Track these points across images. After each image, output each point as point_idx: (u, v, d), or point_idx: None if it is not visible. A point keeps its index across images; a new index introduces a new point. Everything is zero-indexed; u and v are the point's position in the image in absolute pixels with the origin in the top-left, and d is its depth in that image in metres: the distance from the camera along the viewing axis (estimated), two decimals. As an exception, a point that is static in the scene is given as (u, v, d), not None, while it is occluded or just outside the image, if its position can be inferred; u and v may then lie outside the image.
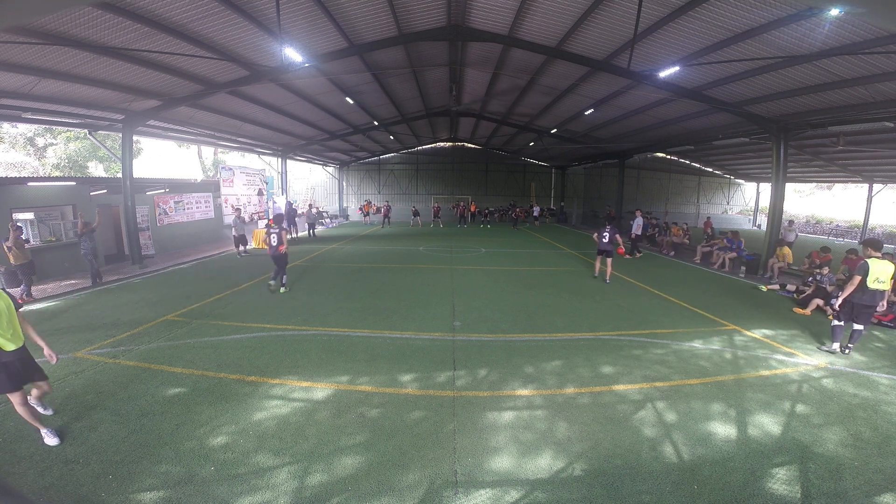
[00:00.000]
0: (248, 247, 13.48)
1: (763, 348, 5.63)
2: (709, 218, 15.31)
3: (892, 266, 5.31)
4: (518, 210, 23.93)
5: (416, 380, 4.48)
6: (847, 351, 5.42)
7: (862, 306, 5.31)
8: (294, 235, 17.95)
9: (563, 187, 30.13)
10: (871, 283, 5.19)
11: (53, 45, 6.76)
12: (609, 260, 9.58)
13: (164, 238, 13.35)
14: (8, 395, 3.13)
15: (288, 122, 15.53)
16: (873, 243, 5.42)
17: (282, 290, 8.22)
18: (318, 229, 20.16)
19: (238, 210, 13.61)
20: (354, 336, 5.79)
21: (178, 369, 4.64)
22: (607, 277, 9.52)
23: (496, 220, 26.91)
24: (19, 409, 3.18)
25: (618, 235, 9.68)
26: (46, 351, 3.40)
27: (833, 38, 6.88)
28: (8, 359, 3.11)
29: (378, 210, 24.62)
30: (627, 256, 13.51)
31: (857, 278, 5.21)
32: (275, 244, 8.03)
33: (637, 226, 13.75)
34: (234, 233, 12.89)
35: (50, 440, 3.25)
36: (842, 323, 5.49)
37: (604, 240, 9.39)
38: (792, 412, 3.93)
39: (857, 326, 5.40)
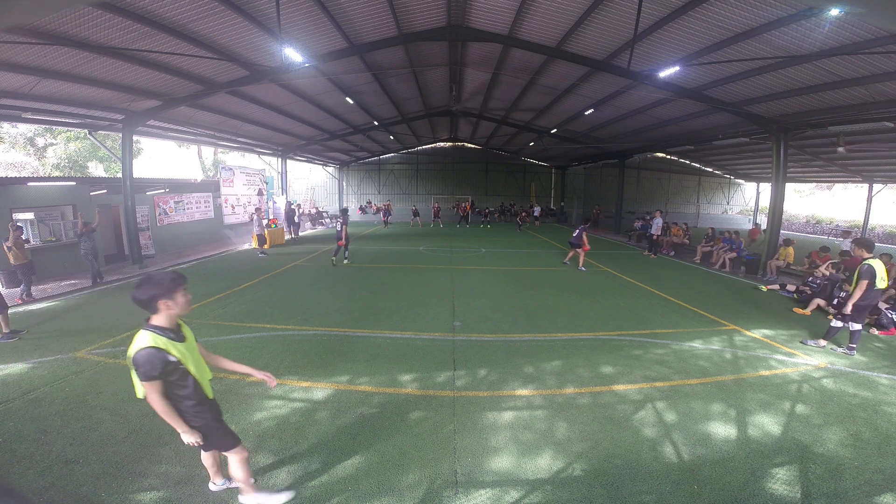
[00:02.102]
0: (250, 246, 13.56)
1: (763, 348, 5.62)
2: (757, 225, 14.81)
3: (882, 264, 5.39)
4: (523, 214, 23.79)
5: (416, 380, 4.48)
6: (853, 352, 5.41)
7: (869, 307, 5.41)
8: (293, 236, 17.97)
9: (563, 187, 30.13)
10: (878, 283, 5.26)
11: (53, 45, 6.75)
12: (581, 251, 11.16)
13: (164, 238, 13.34)
14: (231, 452, 2.49)
15: (288, 122, 15.53)
16: (867, 244, 5.36)
17: (344, 262, 11.26)
18: (318, 229, 20.16)
19: (259, 209, 13.80)
20: (354, 336, 5.79)
21: (178, 369, 4.63)
22: (580, 265, 11.11)
23: (496, 219, 26.89)
24: (242, 466, 2.53)
25: (585, 234, 11.17)
26: (259, 374, 2.64)
27: (833, 38, 6.88)
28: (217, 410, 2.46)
29: (378, 210, 24.65)
30: (652, 256, 13.78)
31: (865, 282, 5.15)
32: (339, 230, 10.93)
33: (657, 226, 13.84)
34: (256, 231, 13.19)
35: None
36: (841, 325, 5.49)
37: (573, 235, 11.31)
38: (792, 412, 3.93)
39: (856, 326, 5.38)
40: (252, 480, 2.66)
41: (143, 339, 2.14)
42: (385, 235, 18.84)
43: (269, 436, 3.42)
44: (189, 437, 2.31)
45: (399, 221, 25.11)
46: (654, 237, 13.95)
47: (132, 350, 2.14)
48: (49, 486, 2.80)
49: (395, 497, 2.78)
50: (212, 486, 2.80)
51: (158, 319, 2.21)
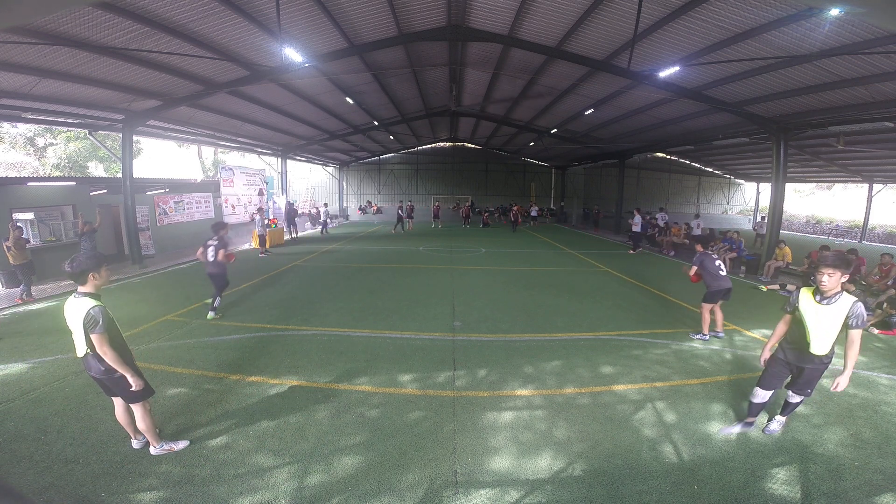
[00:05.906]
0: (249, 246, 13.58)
1: (763, 348, 5.60)
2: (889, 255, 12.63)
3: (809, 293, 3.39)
4: (515, 214, 22.91)
5: (416, 380, 4.48)
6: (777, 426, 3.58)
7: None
8: (294, 235, 17.96)
9: (563, 187, 30.12)
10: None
11: (53, 45, 6.76)
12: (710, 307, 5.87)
13: (164, 238, 13.35)
14: (146, 401, 3.05)
15: (288, 122, 15.53)
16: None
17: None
18: (318, 229, 20.17)
19: (261, 210, 13.85)
20: (354, 336, 5.79)
21: (178, 369, 4.64)
22: (718, 327, 5.97)
23: (496, 219, 26.83)
24: (150, 416, 3.09)
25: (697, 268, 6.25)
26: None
27: (833, 38, 6.88)
28: None
29: (378, 210, 24.51)
30: (631, 252, 13.81)
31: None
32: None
33: (637, 223, 14.46)
34: (259, 231, 13.26)
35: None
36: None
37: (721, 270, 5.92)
38: (792, 412, 3.91)
39: (798, 398, 3.43)
40: (157, 430, 3.18)
41: (86, 301, 2.62)
42: (384, 236, 18.84)
43: (269, 436, 3.42)
44: (139, 382, 2.81)
45: (392, 221, 24.90)
46: (635, 233, 14.64)
47: (79, 311, 2.58)
48: (49, 486, 2.80)
49: (395, 497, 2.78)
50: (135, 444, 3.18)
51: (87, 288, 2.71)
